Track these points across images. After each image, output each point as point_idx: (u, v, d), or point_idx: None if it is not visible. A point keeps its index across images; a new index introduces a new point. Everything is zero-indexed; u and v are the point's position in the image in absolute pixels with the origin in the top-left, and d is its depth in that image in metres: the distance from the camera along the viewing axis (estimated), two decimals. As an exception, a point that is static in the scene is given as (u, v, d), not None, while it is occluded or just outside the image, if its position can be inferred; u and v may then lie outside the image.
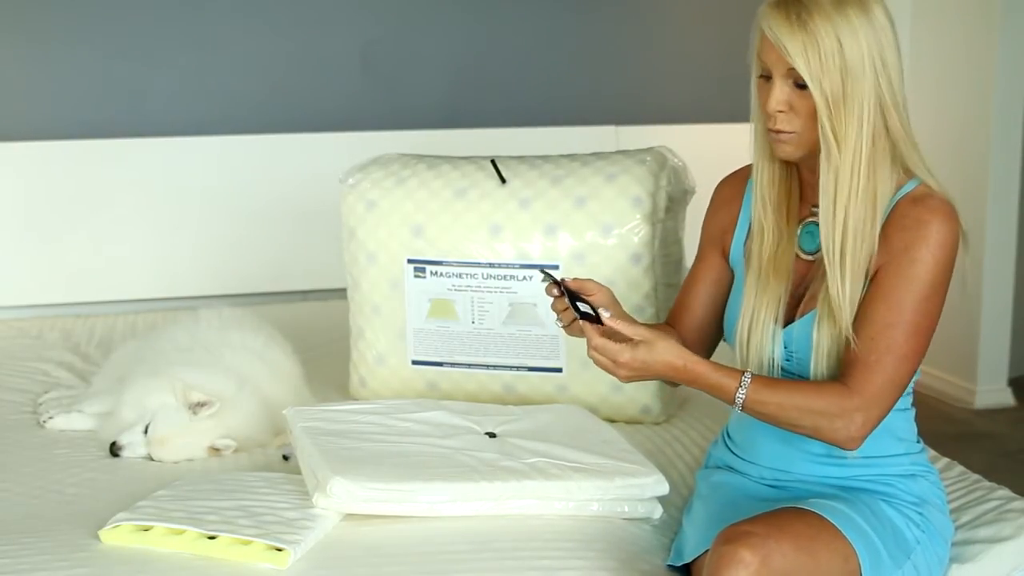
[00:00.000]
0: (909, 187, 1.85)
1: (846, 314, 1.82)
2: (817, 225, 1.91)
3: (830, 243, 1.83)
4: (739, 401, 1.81)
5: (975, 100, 4.27)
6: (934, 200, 1.83)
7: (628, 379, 1.83)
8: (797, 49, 1.76)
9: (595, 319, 1.83)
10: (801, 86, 1.80)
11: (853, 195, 1.81)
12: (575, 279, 1.91)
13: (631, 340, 1.81)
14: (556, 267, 2.56)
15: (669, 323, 2.11)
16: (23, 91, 3.88)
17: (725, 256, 2.06)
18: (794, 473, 1.96)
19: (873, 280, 1.83)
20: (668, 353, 1.81)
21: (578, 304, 1.84)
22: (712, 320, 2.08)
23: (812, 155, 1.86)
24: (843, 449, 1.83)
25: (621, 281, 2.56)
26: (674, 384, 1.96)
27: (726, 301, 2.06)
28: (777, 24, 1.78)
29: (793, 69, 1.78)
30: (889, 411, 1.83)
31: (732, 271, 2.06)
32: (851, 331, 1.81)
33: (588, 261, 2.56)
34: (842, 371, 1.83)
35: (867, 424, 1.80)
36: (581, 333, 1.84)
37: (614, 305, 1.92)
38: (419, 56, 4.19)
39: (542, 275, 1.93)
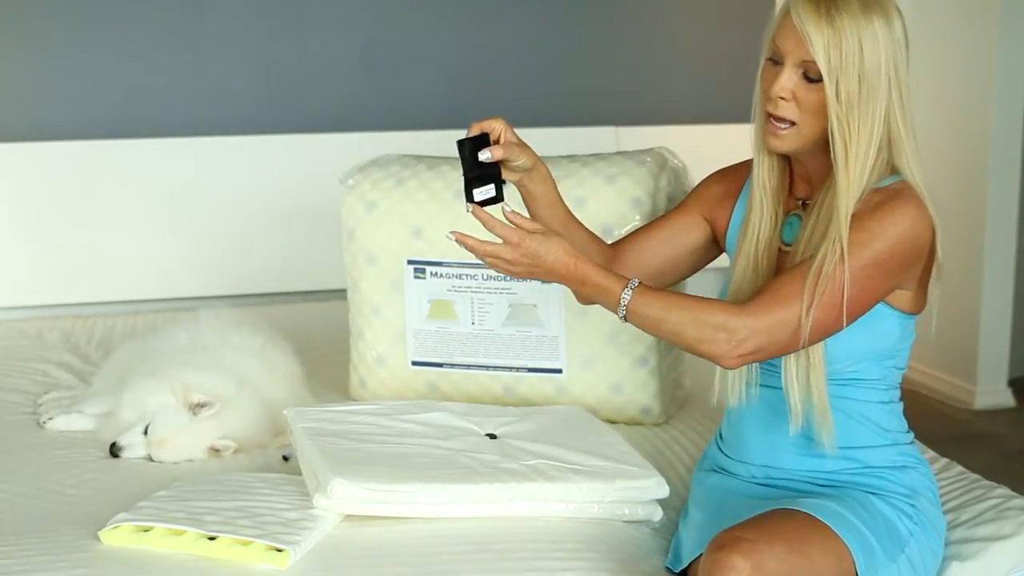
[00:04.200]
0: (888, 181, 1.84)
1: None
2: (799, 217, 1.92)
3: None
4: (624, 302, 1.80)
5: (975, 100, 4.27)
6: (909, 192, 1.82)
7: (522, 274, 1.84)
8: (820, 42, 1.76)
9: (497, 199, 1.84)
10: (811, 80, 1.79)
11: (857, 196, 1.81)
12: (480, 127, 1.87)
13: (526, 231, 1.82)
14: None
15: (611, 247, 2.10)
16: (23, 91, 3.88)
17: (710, 225, 2.06)
18: (781, 469, 1.96)
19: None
20: (561, 249, 1.81)
21: (475, 189, 1.84)
22: (653, 266, 2.06)
23: (804, 151, 1.86)
24: (719, 364, 1.81)
25: (621, 282, 2.55)
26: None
27: (681, 256, 2.07)
28: (806, 13, 1.77)
29: (808, 61, 1.78)
30: (775, 353, 1.80)
31: (715, 244, 2.08)
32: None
33: (588, 262, 2.56)
34: (749, 297, 1.83)
35: (747, 348, 1.77)
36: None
37: (516, 142, 1.90)
38: (419, 56, 4.19)
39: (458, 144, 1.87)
